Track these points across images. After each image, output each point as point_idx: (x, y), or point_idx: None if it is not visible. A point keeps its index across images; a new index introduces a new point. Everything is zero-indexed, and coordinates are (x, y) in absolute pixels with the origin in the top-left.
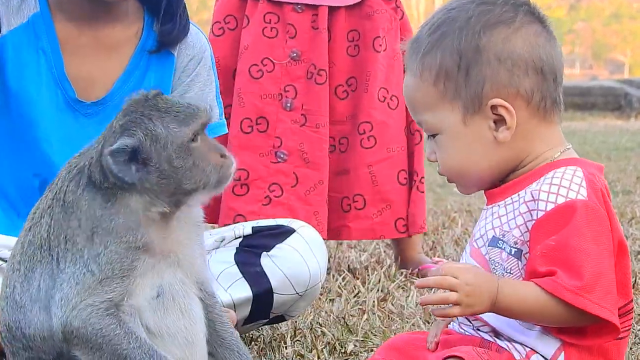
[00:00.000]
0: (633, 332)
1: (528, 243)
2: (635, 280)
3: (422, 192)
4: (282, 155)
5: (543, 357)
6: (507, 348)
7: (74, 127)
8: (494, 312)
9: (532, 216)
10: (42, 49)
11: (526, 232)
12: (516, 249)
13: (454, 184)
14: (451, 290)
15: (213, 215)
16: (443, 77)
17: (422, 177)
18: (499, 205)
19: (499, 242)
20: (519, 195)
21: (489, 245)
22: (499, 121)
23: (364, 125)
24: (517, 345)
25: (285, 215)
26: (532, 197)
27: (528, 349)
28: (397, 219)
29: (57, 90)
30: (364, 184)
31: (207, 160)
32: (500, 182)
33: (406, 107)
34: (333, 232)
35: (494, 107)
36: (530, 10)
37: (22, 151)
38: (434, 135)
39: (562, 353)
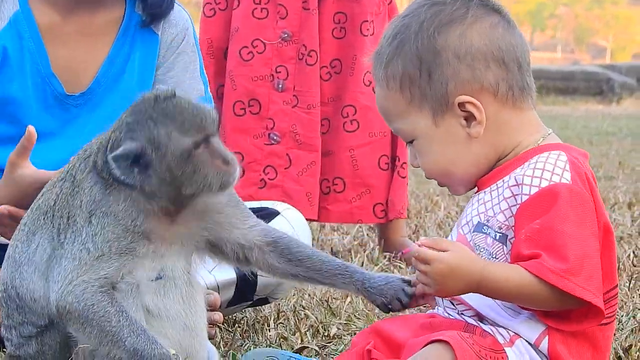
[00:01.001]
0: (617, 317)
1: (513, 228)
2: (619, 266)
3: (404, 177)
4: (275, 137)
5: (527, 341)
6: (491, 332)
7: (65, 119)
8: (477, 293)
9: (516, 201)
10: (28, 49)
11: (511, 217)
12: (501, 234)
13: (444, 186)
14: (424, 275)
15: None
16: (407, 83)
17: (404, 163)
18: (484, 192)
19: (484, 227)
20: (503, 180)
21: (474, 231)
22: (469, 118)
23: (348, 108)
24: (501, 330)
25: (279, 197)
26: (516, 182)
27: (512, 334)
28: (376, 204)
29: (45, 88)
30: (344, 167)
31: (208, 168)
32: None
33: None
34: None
35: (461, 105)
36: (483, 3)
37: (9, 149)
38: (411, 142)
39: (546, 337)
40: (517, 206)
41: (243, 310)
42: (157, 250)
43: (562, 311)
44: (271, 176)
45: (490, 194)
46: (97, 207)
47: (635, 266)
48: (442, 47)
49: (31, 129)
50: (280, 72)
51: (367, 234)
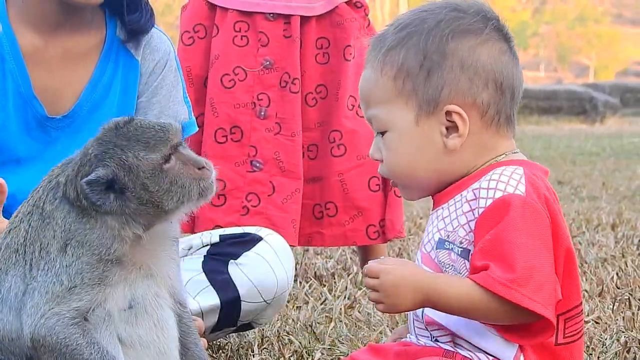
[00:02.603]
0: (601, 340)
1: (474, 243)
2: (602, 289)
3: (399, 196)
4: (257, 164)
5: None
6: (470, 357)
7: (46, 141)
8: (428, 307)
9: (474, 215)
10: (9, 70)
11: (470, 232)
12: (462, 249)
13: (397, 187)
14: (373, 290)
15: (189, 226)
16: (403, 74)
17: None
18: (442, 208)
19: (446, 243)
20: (461, 195)
21: (436, 248)
22: (451, 128)
23: (334, 133)
24: (480, 354)
25: (263, 224)
26: (474, 195)
27: (490, 357)
28: (369, 226)
29: (26, 110)
30: (335, 192)
31: (184, 177)
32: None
33: None
34: (304, 238)
35: (448, 113)
36: (499, 27)
37: None
38: (382, 133)
39: (522, 356)
40: (475, 220)
41: (227, 336)
42: (128, 277)
43: (519, 325)
44: (254, 203)
45: (449, 209)
46: (72, 237)
47: (619, 288)
48: (451, 52)
49: (1, 181)
50: (262, 99)
51: (351, 258)
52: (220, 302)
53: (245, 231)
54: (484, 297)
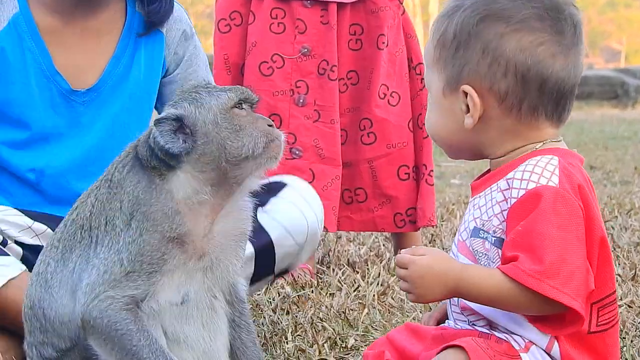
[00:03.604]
0: (634, 324)
1: (506, 233)
2: (635, 272)
3: (431, 184)
4: (297, 152)
5: (540, 347)
6: (505, 339)
7: (72, 116)
8: (457, 297)
9: (507, 204)
10: (28, 49)
11: (504, 221)
12: (496, 238)
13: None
14: (403, 280)
15: None
16: (441, 45)
17: (431, 170)
18: (479, 196)
19: (481, 232)
20: (497, 184)
21: (471, 236)
22: (469, 107)
23: (364, 121)
24: (516, 337)
25: None
26: (508, 185)
27: (527, 340)
28: (396, 214)
29: (49, 86)
30: (365, 179)
31: (253, 127)
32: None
33: (410, 103)
34: None
35: (464, 93)
36: (547, 16)
37: (17, 151)
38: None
39: (556, 343)
40: (508, 210)
41: (261, 323)
42: (187, 262)
43: (550, 315)
44: None
45: (485, 198)
46: (138, 207)
47: None
48: (477, 34)
49: None
50: (300, 86)
51: (384, 245)
52: (254, 250)
53: (270, 180)
54: (513, 289)
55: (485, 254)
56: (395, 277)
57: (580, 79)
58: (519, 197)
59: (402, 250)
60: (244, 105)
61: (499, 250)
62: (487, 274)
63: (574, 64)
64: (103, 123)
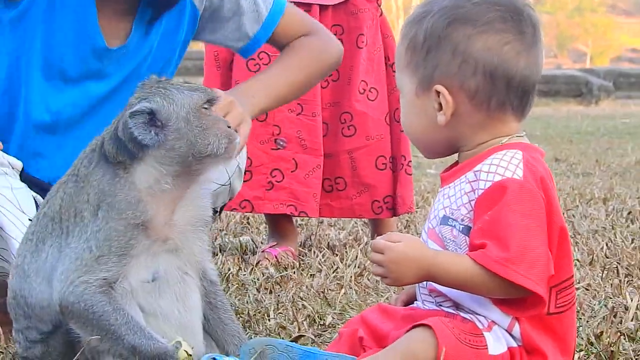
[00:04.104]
0: (590, 306)
1: (473, 221)
2: (593, 258)
3: (410, 174)
4: (281, 143)
5: (501, 327)
6: (470, 319)
7: (98, 71)
8: (429, 281)
9: (475, 194)
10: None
11: (471, 210)
12: (464, 226)
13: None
14: (379, 265)
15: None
16: (411, 48)
17: (410, 161)
18: (449, 187)
19: (449, 220)
20: (465, 176)
21: (440, 224)
22: (441, 105)
23: (345, 115)
24: (480, 317)
25: (287, 198)
26: (475, 177)
27: (490, 320)
28: (373, 201)
29: (86, 40)
30: (344, 168)
31: (218, 128)
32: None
33: (387, 98)
34: None
35: (437, 92)
36: (509, 18)
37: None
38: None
39: (517, 324)
40: (475, 200)
41: (245, 302)
42: (152, 246)
43: (513, 299)
44: (278, 178)
45: (454, 189)
46: (104, 199)
47: (608, 258)
48: (446, 37)
49: None
50: None
51: (362, 230)
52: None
53: None
54: (481, 274)
55: (453, 240)
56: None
57: (540, 76)
58: (486, 188)
59: (377, 237)
60: (212, 107)
61: (466, 238)
62: (457, 260)
63: (535, 62)
64: (124, 75)
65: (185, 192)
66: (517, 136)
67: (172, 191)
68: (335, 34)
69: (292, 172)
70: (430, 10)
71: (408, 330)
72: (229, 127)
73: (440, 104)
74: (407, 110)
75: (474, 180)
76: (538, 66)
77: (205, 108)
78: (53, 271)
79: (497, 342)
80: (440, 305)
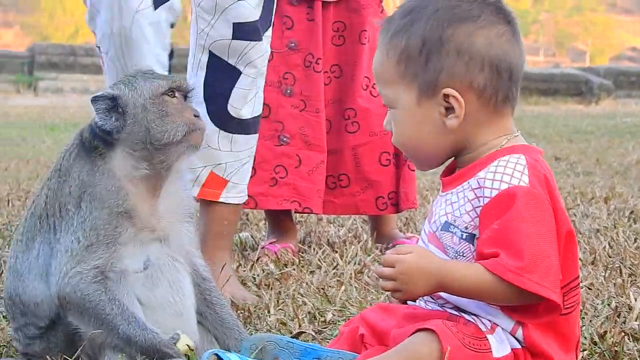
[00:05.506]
0: (593, 305)
1: (479, 228)
2: (595, 257)
3: (413, 170)
4: (284, 139)
5: (504, 330)
6: (473, 321)
7: None
8: (441, 291)
9: (479, 202)
10: None
11: (476, 217)
12: (467, 234)
13: (409, 159)
14: (389, 279)
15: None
16: (405, 59)
17: None
18: (451, 193)
19: (451, 227)
20: (468, 183)
21: (441, 230)
22: (449, 109)
23: (349, 111)
24: (483, 319)
25: (291, 194)
26: (479, 184)
27: (492, 322)
28: (378, 197)
29: None
30: (348, 165)
31: (178, 115)
32: (451, 170)
33: None
34: None
35: (446, 96)
36: (497, 10)
37: None
38: (392, 107)
39: (520, 327)
40: (481, 207)
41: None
42: (138, 234)
43: (525, 306)
44: (282, 175)
45: (457, 195)
46: (84, 189)
47: (610, 257)
48: (448, 39)
49: None
50: (287, 78)
51: (361, 227)
52: None
53: None
54: (494, 283)
55: (454, 247)
56: (371, 256)
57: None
58: (492, 196)
59: (387, 252)
60: (176, 94)
61: (469, 245)
62: (469, 269)
63: (522, 50)
64: None
65: (164, 182)
66: (514, 136)
67: (151, 178)
68: (337, 31)
69: (295, 168)
70: (417, 18)
71: (411, 334)
72: (197, 116)
73: (446, 108)
74: (405, 122)
75: (478, 188)
76: (524, 55)
77: (169, 95)
78: (47, 268)
79: (500, 344)
80: (443, 306)
